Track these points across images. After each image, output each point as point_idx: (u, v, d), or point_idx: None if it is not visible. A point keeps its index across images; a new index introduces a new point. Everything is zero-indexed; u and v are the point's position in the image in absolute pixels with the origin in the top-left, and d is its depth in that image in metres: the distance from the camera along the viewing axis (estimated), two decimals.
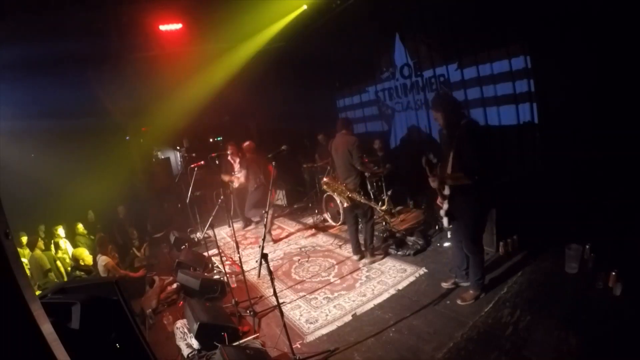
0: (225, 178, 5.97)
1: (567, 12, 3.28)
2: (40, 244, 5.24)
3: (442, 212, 3.10)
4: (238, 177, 5.78)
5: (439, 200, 3.11)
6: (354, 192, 4.03)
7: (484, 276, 3.11)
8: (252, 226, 6.54)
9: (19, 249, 5.05)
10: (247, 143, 5.82)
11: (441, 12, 4.69)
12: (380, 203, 5.52)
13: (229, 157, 6.05)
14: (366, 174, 4.26)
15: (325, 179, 4.28)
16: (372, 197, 5.52)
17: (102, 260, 4.57)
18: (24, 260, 4.95)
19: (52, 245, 5.63)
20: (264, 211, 3.23)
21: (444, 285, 3.38)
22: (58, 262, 5.29)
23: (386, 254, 4.35)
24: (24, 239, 5.22)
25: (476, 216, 2.96)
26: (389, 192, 5.26)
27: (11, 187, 5.58)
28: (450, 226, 3.18)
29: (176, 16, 5.60)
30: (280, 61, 7.84)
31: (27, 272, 4.77)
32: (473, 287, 3.13)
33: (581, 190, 3.55)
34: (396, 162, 5.98)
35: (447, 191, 2.98)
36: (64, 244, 5.63)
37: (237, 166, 6.01)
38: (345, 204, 4.14)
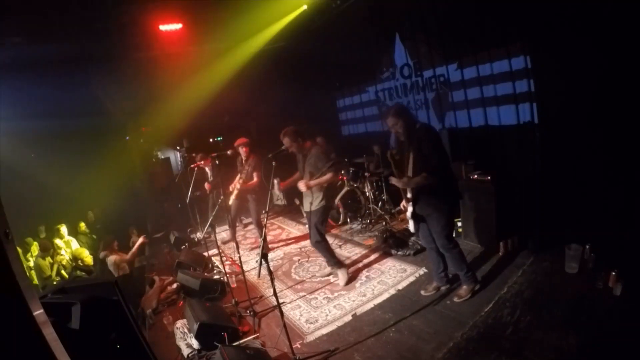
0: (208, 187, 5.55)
1: (568, 12, 3.28)
2: (35, 248, 5.22)
3: (408, 215, 3.13)
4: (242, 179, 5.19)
5: (403, 204, 3.15)
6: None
7: (470, 268, 3.15)
8: (250, 227, 6.53)
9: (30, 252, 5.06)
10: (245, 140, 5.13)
11: (441, 12, 4.69)
12: (375, 203, 5.52)
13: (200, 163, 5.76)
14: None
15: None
16: (372, 198, 5.55)
17: (110, 259, 4.61)
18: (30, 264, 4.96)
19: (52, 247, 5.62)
20: (264, 211, 3.22)
21: (424, 293, 3.35)
22: (54, 266, 5.26)
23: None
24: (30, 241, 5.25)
25: (445, 213, 3.01)
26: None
27: (11, 187, 5.59)
28: (416, 231, 3.20)
29: (176, 16, 5.59)
30: (280, 61, 7.84)
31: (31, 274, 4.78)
32: (465, 282, 3.15)
33: (581, 190, 3.54)
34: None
35: (409, 194, 3.03)
36: (64, 244, 5.61)
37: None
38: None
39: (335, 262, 3.91)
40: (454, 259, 3.11)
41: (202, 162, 5.88)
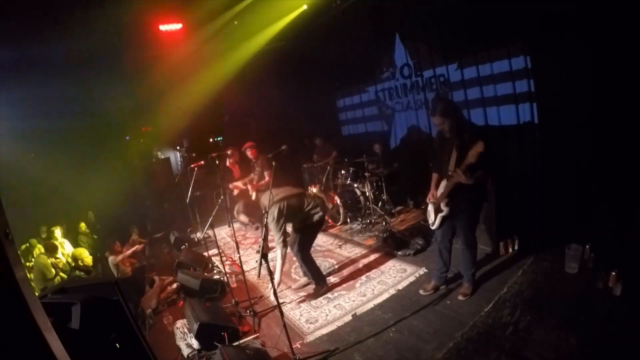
0: (240, 184, 5.37)
1: (567, 12, 3.28)
2: (37, 250, 5.21)
3: (443, 209, 3.05)
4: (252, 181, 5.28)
5: (435, 197, 3.09)
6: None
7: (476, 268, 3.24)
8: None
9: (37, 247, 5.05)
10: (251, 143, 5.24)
11: (441, 12, 4.69)
12: (375, 203, 5.52)
13: (229, 163, 5.73)
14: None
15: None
16: (372, 198, 5.55)
17: (111, 260, 4.63)
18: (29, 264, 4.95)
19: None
20: (264, 211, 3.22)
21: (423, 292, 3.34)
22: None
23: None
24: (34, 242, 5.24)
25: (477, 211, 3.06)
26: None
27: (11, 187, 5.58)
28: (439, 226, 3.16)
29: (176, 16, 5.59)
30: (280, 61, 7.84)
31: (29, 274, 4.75)
32: (469, 281, 3.19)
33: (581, 190, 3.55)
34: (396, 162, 5.99)
35: (442, 189, 3.02)
36: (59, 247, 5.57)
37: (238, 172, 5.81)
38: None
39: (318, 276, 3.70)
40: (469, 257, 3.14)
41: (231, 159, 5.67)
